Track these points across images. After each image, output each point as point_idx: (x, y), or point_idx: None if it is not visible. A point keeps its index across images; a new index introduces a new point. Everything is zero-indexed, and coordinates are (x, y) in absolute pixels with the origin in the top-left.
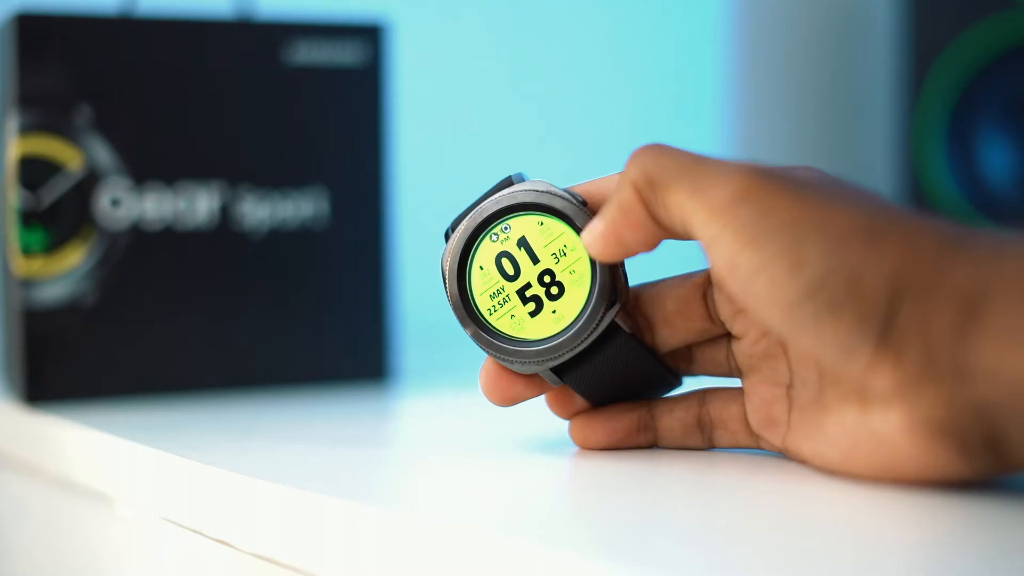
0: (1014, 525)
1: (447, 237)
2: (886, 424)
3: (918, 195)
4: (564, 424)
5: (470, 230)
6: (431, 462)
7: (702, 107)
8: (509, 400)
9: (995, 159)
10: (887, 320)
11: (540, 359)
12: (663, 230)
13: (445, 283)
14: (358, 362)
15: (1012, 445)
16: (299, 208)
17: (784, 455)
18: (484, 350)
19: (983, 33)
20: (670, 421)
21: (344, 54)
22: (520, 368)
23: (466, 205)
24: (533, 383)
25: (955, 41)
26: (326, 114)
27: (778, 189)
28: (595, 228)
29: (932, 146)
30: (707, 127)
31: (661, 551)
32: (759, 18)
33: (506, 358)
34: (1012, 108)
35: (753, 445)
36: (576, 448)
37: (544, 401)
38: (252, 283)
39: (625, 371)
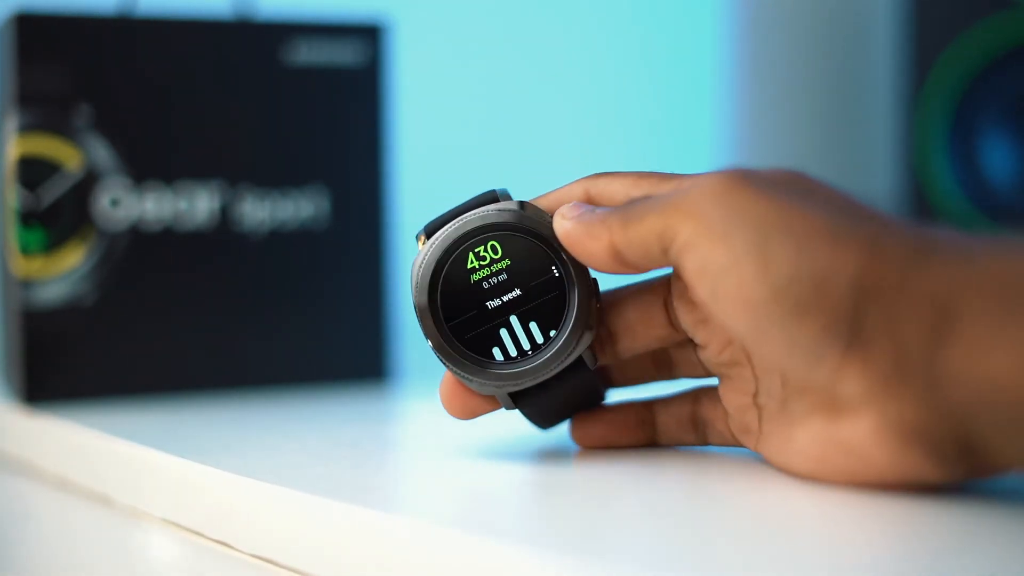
0: (996, 528)
1: (418, 239)
2: (856, 431)
3: (919, 196)
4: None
5: (450, 240)
6: (430, 463)
7: (702, 108)
8: (469, 414)
9: (996, 159)
10: (854, 324)
11: (499, 383)
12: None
13: (413, 290)
14: (358, 362)
15: (985, 448)
16: (299, 208)
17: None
18: (444, 364)
19: (983, 33)
20: (666, 417)
21: (344, 54)
22: (478, 388)
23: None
24: (493, 399)
25: (955, 41)
26: (326, 114)
27: (748, 188)
28: (564, 222)
29: (933, 146)
30: (707, 127)
31: (661, 553)
32: (759, 18)
33: (466, 376)
34: (1013, 108)
35: (741, 445)
36: (577, 448)
37: None
38: (252, 283)
39: (577, 401)
